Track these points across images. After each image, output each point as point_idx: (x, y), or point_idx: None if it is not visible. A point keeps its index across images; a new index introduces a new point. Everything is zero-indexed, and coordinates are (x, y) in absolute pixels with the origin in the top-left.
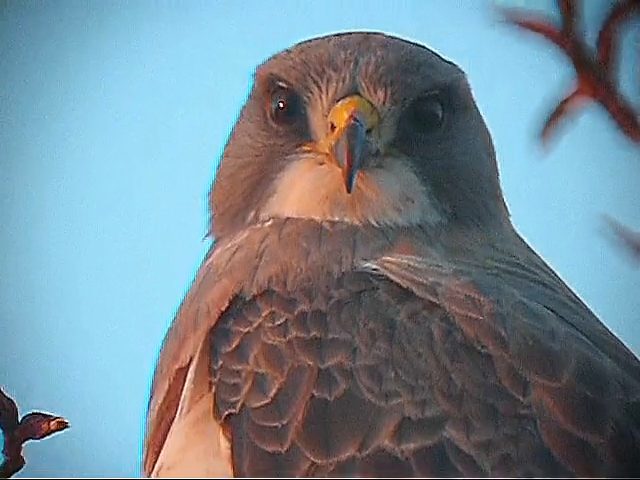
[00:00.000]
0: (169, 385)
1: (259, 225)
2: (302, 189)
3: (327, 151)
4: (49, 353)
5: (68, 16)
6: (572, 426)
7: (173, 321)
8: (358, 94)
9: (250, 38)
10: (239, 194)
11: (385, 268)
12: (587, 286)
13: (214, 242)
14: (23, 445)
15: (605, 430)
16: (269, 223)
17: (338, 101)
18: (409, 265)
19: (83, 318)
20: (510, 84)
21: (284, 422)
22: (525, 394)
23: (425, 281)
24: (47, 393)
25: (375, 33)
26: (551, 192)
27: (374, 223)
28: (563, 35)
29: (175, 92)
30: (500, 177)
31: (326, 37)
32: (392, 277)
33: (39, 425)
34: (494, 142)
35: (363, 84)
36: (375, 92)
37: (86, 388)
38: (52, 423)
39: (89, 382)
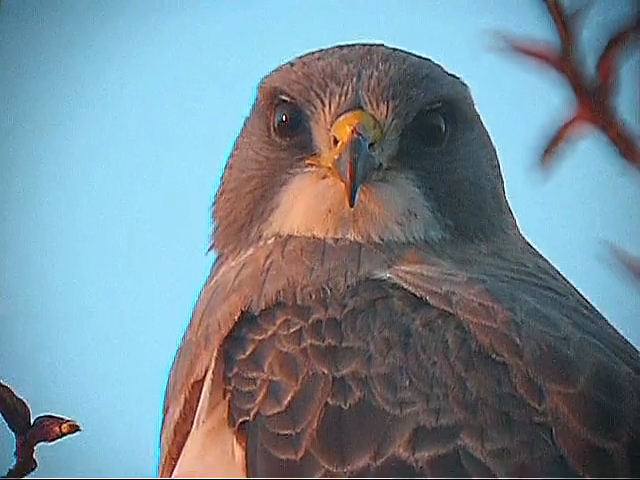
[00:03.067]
0: (185, 398)
1: (262, 243)
2: (305, 203)
3: (330, 165)
4: (62, 356)
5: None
6: (588, 433)
7: (183, 339)
8: (361, 108)
9: (256, 44)
10: (243, 208)
11: (398, 277)
12: None
13: (218, 258)
14: (35, 447)
15: (621, 436)
16: (272, 241)
17: (341, 115)
18: (422, 274)
19: (95, 322)
20: (509, 110)
21: (298, 430)
22: (540, 401)
23: (439, 290)
24: (59, 396)
25: (378, 45)
26: (551, 217)
27: (377, 239)
28: (562, 61)
29: (179, 100)
30: (505, 189)
31: (328, 50)
32: (406, 286)
33: (51, 428)
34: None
35: (366, 98)
36: (378, 106)
37: (98, 391)
38: (64, 426)
39: (101, 385)
